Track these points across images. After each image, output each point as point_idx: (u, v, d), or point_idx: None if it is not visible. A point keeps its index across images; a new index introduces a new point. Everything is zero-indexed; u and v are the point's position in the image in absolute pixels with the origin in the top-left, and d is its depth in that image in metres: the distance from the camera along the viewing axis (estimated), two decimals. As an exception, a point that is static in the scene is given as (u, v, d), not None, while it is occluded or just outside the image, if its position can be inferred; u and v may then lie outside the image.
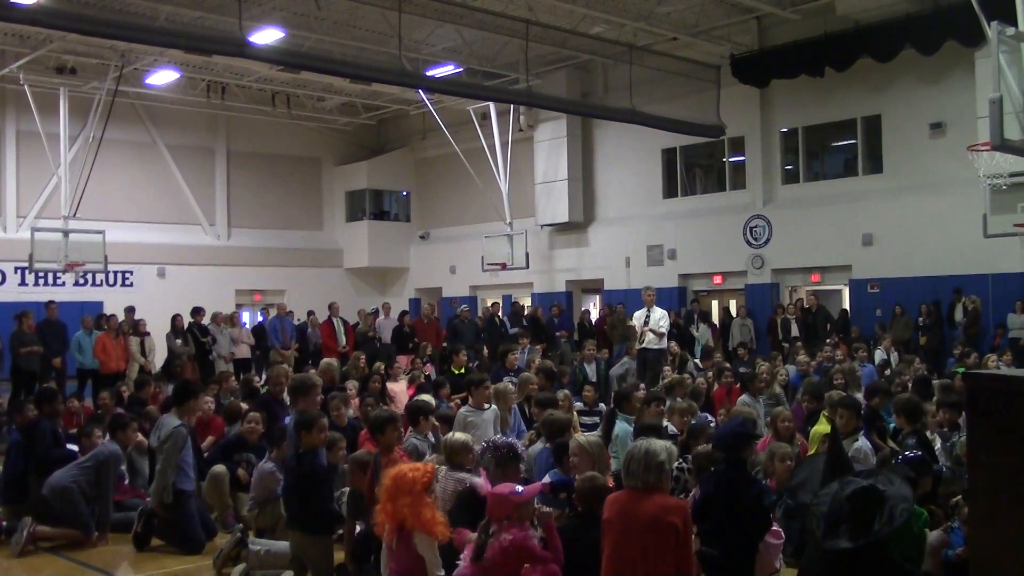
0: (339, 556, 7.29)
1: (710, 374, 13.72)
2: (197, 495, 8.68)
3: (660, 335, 15.45)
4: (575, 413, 10.66)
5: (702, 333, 20.82)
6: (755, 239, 22.04)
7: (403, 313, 22.99)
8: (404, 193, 30.45)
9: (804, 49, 19.79)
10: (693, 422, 9.12)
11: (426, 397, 10.67)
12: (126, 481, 9.60)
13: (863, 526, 4.54)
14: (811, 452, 8.34)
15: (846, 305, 21.17)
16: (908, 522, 5.31)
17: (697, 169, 24.49)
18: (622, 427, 8.85)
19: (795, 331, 19.80)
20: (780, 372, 13.00)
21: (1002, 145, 10.29)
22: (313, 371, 12.18)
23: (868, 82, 20.11)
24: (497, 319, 22.15)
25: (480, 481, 5.96)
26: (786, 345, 18.68)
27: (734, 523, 6.02)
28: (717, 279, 23.38)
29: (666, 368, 15.09)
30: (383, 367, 14.47)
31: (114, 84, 21.18)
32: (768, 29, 21.12)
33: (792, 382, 12.79)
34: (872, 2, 18.19)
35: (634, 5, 19.67)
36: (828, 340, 17.75)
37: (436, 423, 9.32)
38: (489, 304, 24.73)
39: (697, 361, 16.91)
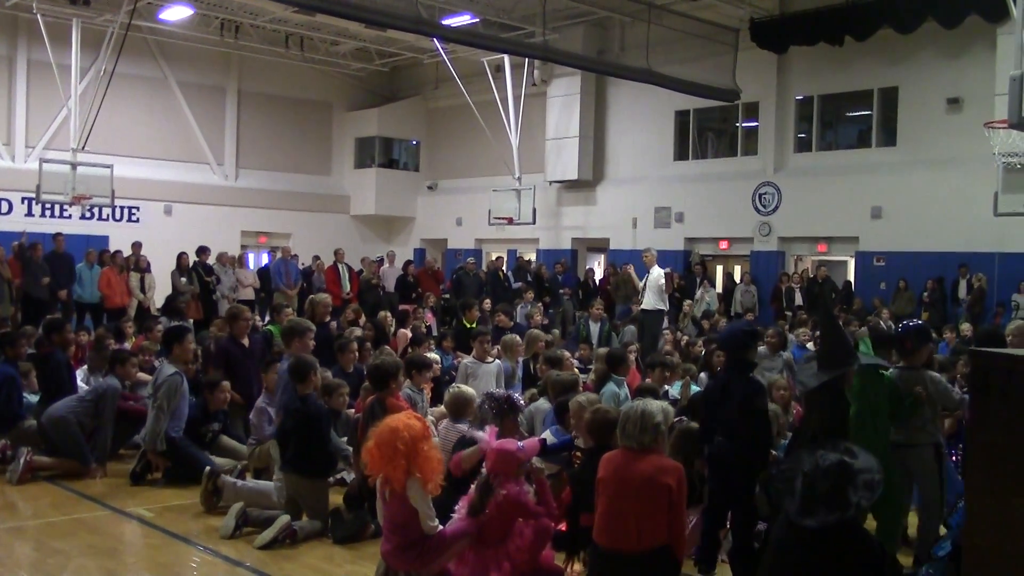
0: (335, 500, 7.37)
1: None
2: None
3: (659, 288, 15.37)
4: (576, 370, 10.70)
5: (711, 296, 20.66)
6: (764, 206, 21.96)
7: (408, 263, 23.00)
8: (414, 142, 30.30)
9: (825, 16, 19.56)
10: (695, 388, 9.14)
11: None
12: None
13: (841, 501, 4.54)
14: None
15: (851, 277, 21.14)
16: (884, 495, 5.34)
17: (709, 133, 24.33)
18: (610, 388, 8.86)
19: (799, 300, 19.80)
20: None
21: (1020, 123, 10.19)
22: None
23: (887, 53, 19.89)
24: (501, 273, 22.15)
25: (484, 435, 5.98)
26: (789, 314, 18.71)
27: (726, 419, 6.27)
28: (723, 244, 23.34)
29: (665, 331, 15.12)
30: (389, 315, 14.47)
31: (127, 17, 20.94)
32: (789, -6, 20.90)
33: (793, 354, 12.78)
34: (897, -28, 17.97)
35: (656, -37, 19.44)
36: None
37: (431, 379, 9.40)
38: (493, 258, 24.70)
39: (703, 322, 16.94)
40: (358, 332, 12.15)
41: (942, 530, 6.58)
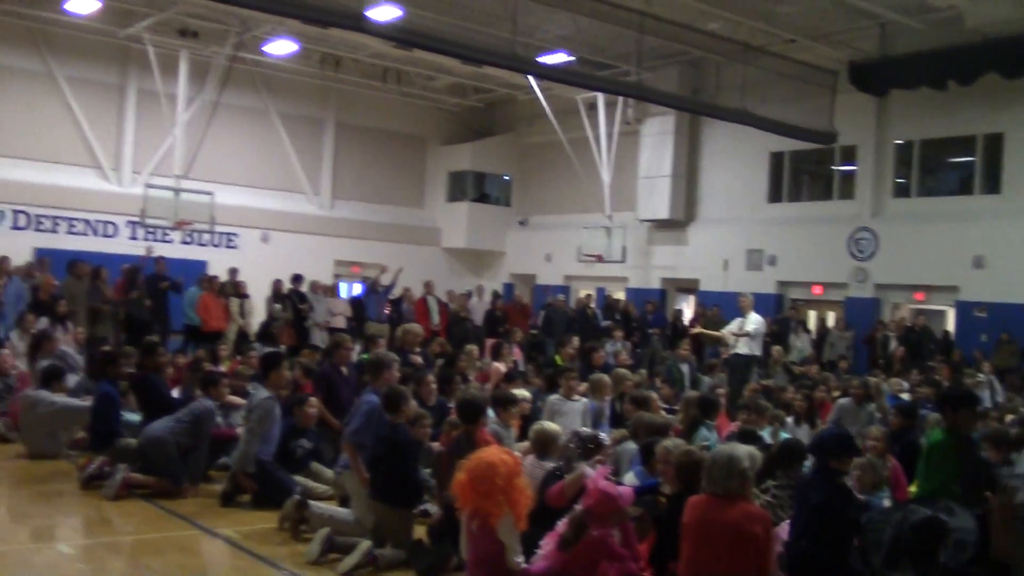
0: (418, 531, 7.39)
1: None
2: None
3: (743, 334, 15.19)
4: (662, 412, 10.60)
5: (803, 343, 20.29)
6: (860, 252, 21.50)
7: (496, 297, 23.08)
8: (506, 177, 30.53)
9: (927, 60, 19.17)
10: (784, 434, 8.96)
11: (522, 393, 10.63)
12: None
13: (928, 558, 4.37)
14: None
15: (950, 327, 20.51)
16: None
17: (805, 175, 24.00)
18: (702, 434, 8.75)
19: (893, 348, 19.29)
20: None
21: None
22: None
23: (992, 99, 19.38)
24: (589, 311, 22.08)
25: (592, 472, 5.89)
26: (882, 362, 18.28)
27: (805, 524, 5.96)
28: (817, 289, 22.90)
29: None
30: (476, 349, 14.54)
31: (233, 50, 21.71)
32: (891, 37, 20.46)
33: (888, 403, 12.49)
34: (1003, 15, 17.50)
35: (754, 4, 19.29)
36: (932, 363, 17.28)
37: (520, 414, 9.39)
38: (582, 295, 24.66)
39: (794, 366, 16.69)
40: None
41: None
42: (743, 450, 5.46)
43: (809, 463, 6.98)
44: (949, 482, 6.89)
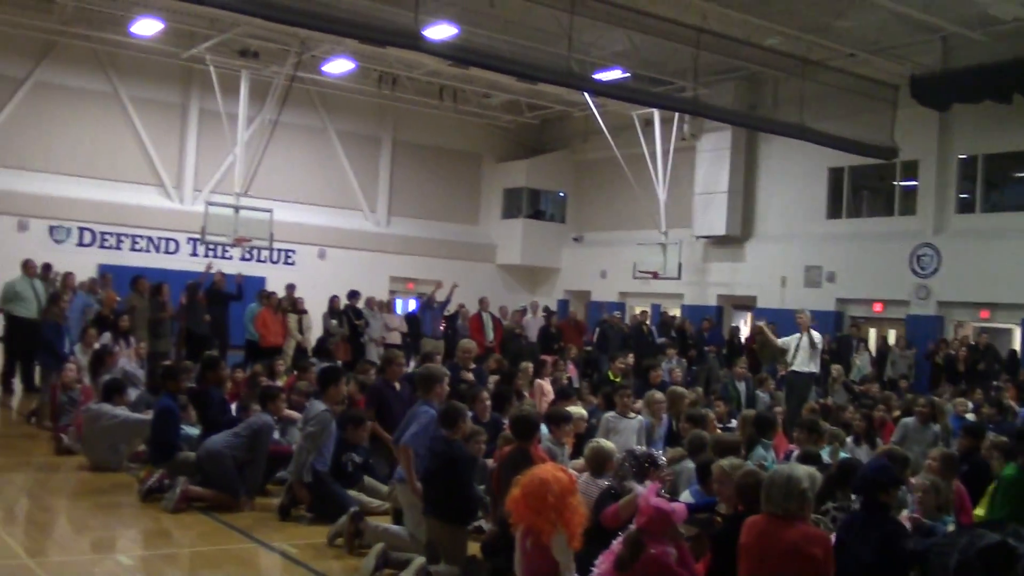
0: (472, 548, 7.37)
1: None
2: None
3: (814, 346, 14.95)
4: (717, 430, 10.49)
5: (862, 361, 19.95)
6: (922, 268, 21.11)
7: (551, 313, 23.05)
8: (561, 194, 30.53)
9: (991, 73, 18.79)
10: (844, 454, 8.81)
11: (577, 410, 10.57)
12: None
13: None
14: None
15: (1016, 345, 20.02)
16: None
17: (865, 191, 23.65)
18: (759, 452, 8.63)
19: (959, 367, 18.87)
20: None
21: None
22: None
23: (1060, 112, 18.96)
24: (644, 328, 21.93)
25: (643, 491, 5.84)
26: (940, 362, 17.96)
27: (861, 562, 5.76)
28: (877, 307, 22.50)
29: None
30: (530, 366, 14.46)
31: (292, 70, 22.03)
32: (953, 50, 20.14)
33: (951, 424, 12.21)
34: (1071, 27, 17.16)
35: (812, 18, 19.12)
36: (996, 382, 16.87)
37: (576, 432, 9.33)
38: (637, 312, 24.54)
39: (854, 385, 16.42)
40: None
41: None
42: (802, 470, 5.36)
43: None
44: (1014, 517, 6.71)
